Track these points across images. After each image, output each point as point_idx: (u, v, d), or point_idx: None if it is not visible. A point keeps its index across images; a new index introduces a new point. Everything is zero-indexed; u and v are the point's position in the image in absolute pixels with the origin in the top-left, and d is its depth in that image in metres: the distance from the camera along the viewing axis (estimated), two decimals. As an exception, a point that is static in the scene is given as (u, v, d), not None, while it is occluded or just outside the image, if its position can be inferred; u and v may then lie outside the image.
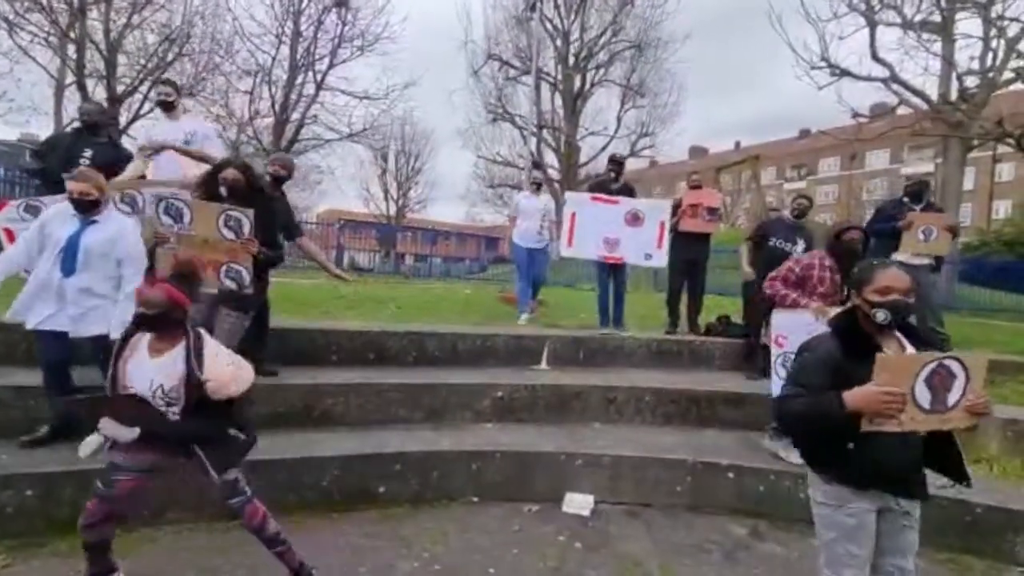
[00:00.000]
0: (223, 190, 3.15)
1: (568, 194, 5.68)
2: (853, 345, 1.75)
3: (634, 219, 5.09)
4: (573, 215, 5.11)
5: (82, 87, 15.18)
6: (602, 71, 21.92)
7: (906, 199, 5.30)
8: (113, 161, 4.20)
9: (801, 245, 4.65)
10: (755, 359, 4.87)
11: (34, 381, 3.18)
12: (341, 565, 2.63)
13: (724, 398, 4.28)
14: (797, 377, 1.85)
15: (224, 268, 3.10)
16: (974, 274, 13.04)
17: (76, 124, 4.75)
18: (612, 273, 5.35)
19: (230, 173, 3.16)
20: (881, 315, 1.71)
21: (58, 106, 17.50)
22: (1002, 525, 3.08)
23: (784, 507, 3.37)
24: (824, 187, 44.27)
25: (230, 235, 3.11)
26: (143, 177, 4.30)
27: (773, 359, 3.50)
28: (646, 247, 5.11)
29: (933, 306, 5.27)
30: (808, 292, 3.46)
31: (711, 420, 4.21)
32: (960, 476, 1.75)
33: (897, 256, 4.97)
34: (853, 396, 1.62)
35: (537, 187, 6.35)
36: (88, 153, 4.20)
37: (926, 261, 5.09)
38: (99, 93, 15.04)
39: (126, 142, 4.32)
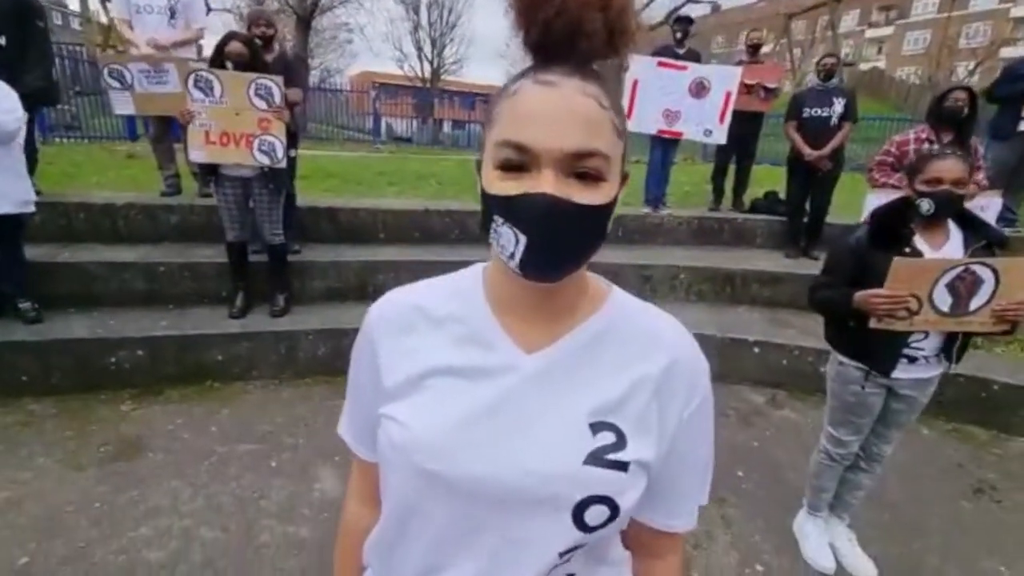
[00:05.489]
0: (229, 65, 3.16)
1: (633, 57, 4.82)
2: (882, 235, 1.77)
3: (699, 89, 4.72)
4: (636, 83, 4.69)
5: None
6: None
7: None
8: None
9: (839, 106, 4.37)
10: (797, 237, 4.84)
11: (125, 257, 3.56)
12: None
13: (759, 277, 4.36)
14: (826, 264, 1.97)
15: (257, 142, 3.19)
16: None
17: None
18: (663, 147, 5.15)
19: (234, 47, 3.15)
20: (925, 205, 1.70)
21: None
22: (1016, 401, 3.23)
23: (803, 379, 3.61)
24: (913, 33, 38.53)
25: (261, 104, 3.19)
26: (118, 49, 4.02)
27: None
28: (707, 121, 4.79)
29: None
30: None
31: (744, 298, 4.34)
32: (950, 356, 1.83)
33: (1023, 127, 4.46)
34: (859, 298, 1.72)
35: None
36: None
37: None
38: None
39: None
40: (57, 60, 9.52)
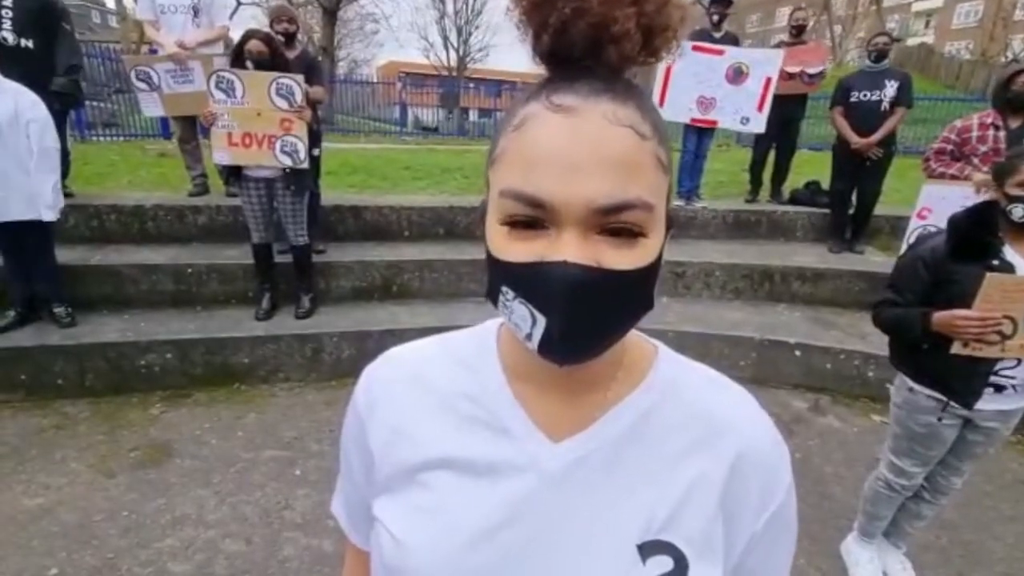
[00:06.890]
0: (249, 64, 3.13)
1: None
2: (965, 245, 1.56)
3: (736, 75, 4.46)
4: (668, 68, 4.44)
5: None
6: None
7: None
8: None
9: (891, 89, 4.06)
10: (842, 230, 4.57)
11: (155, 259, 3.59)
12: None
13: (799, 273, 4.13)
14: (892, 278, 1.77)
15: (279, 143, 3.16)
16: None
17: None
18: (699, 136, 4.90)
19: (254, 45, 3.12)
20: (1019, 211, 1.52)
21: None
22: (1090, 412, 2.96)
23: (848, 384, 3.41)
24: (964, 5, 36.23)
25: (283, 104, 3.16)
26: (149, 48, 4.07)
27: (908, 232, 3.23)
28: (744, 109, 4.53)
29: None
30: (969, 157, 3.11)
31: (784, 296, 4.12)
32: None
33: None
34: (942, 319, 1.52)
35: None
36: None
37: None
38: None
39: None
40: (96, 59, 9.80)
